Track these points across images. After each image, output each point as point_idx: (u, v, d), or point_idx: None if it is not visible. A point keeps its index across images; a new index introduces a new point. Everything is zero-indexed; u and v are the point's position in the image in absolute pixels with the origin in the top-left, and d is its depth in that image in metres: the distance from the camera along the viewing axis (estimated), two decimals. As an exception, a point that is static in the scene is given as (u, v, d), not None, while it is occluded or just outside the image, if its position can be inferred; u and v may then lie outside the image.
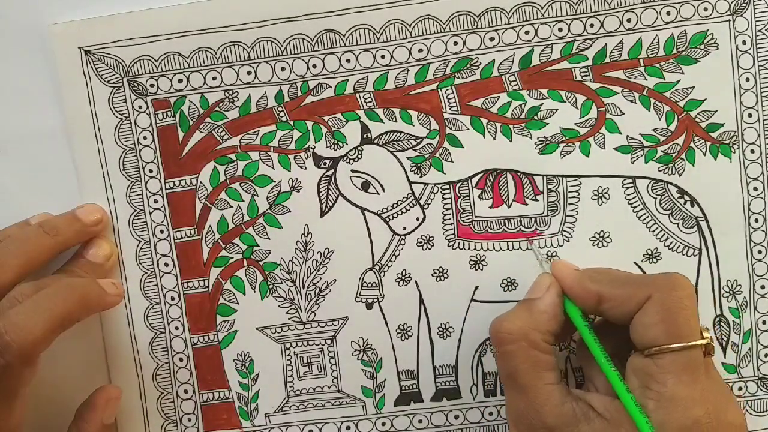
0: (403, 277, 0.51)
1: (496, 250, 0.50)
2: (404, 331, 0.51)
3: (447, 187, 0.50)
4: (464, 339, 0.51)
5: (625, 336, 0.44)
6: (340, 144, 0.50)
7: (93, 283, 0.47)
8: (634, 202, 0.50)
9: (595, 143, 0.50)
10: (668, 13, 0.48)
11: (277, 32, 0.49)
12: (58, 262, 0.49)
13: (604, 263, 0.49)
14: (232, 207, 0.50)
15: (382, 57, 0.49)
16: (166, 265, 0.51)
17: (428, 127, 0.50)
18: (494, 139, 0.50)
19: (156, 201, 0.50)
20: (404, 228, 0.50)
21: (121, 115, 0.50)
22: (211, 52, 0.49)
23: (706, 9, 0.48)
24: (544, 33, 0.49)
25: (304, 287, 0.51)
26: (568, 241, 0.50)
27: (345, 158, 0.50)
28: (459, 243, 0.50)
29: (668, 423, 0.40)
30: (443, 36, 0.49)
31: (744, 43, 0.49)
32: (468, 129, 0.50)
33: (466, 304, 0.51)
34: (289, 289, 0.51)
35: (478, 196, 0.50)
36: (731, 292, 0.50)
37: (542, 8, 0.48)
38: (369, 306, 0.51)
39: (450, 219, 0.50)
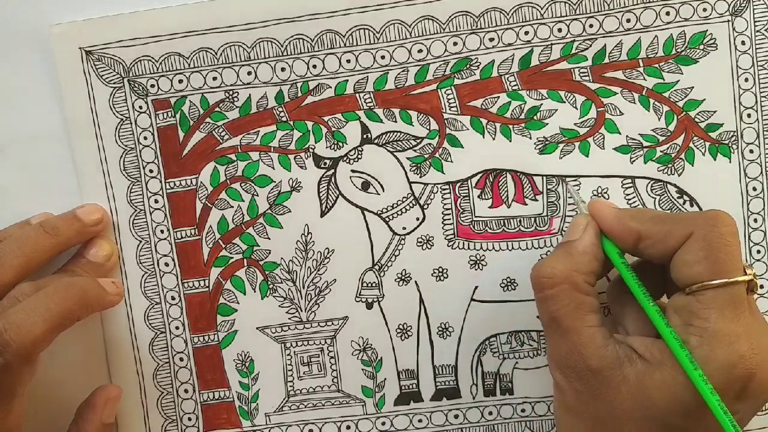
0: (403, 277, 0.51)
1: (496, 250, 0.50)
2: (404, 331, 0.51)
3: (447, 187, 0.50)
4: (464, 339, 0.51)
5: (657, 278, 0.43)
6: (340, 144, 0.50)
7: (93, 282, 0.47)
8: (634, 202, 0.50)
9: (594, 143, 0.50)
10: (667, 13, 0.49)
11: (278, 32, 0.49)
12: (59, 262, 0.49)
13: (604, 263, 0.49)
14: (232, 207, 0.51)
15: (382, 57, 0.49)
16: (167, 264, 0.51)
17: (428, 127, 0.50)
18: (494, 139, 0.50)
19: (156, 201, 0.50)
20: (404, 228, 0.50)
21: (121, 115, 0.50)
22: (212, 53, 0.49)
23: (705, 9, 0.48)
24: (544, 33, 0.49)
25: (304, 287, 0.51)
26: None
27: (345, 158, 0.50)
28: (459, 243, 0.50)
29: (712, 358, 0.39)
30: (443, 36, 0.49)
31: (743, 43, 0.49)
32: (468, 129, 0.50)
33: (466, 304, 0.51)
34: (289, 289, 0.51)
35: (478, 196, 0.50)
36: (730, 291, 0.50)
37: (542, 9, 0.48)
38: (369, 306, 0.51)
39: (450, 219, 0.50)
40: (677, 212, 0.44)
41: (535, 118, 0.50)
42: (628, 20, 0.49)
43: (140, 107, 0.50)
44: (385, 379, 0.51)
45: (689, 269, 0.41)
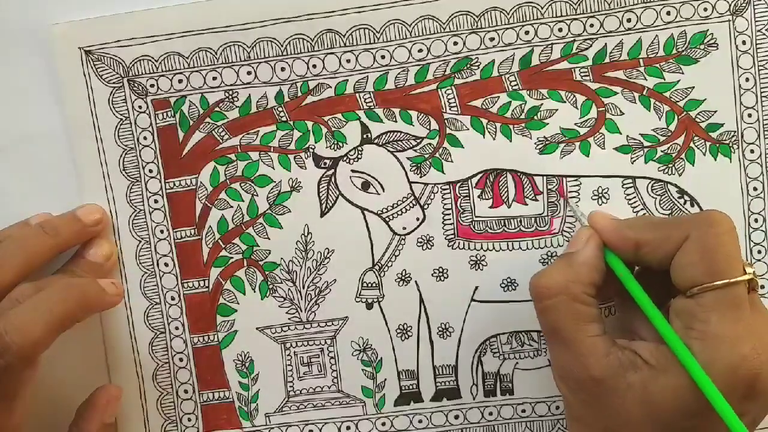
0: (403, 277, 0.51)
1: (496, 250, 0.50)
2: (404, 331, 0.51)
3: (447, 187, 0.50)
4: (464, 339, 0.51)
5: (662, 285, 0.43)
6: (340, 144, 0.50)
7: (93, 283, 0.47)
8: (634, 202, 0.50)
9: (595, 143, 0.50)
10: (668, 13, 0.48)
11: (277, 32, 0.49)
12: (58, 262, 0.49)
13: (604, 263, 0.49)
14: (232, 207, 0.51)
15: (382, 57, 0.49)
16: (166, 265, 0.51)
17: (428, 127, 0.50)
18: (494, 139, 0.50)
19: (156, 201, 0.50)
20: (404, 228, 0.50)
21: (121, 115, 0.50)
22: (211, 52, 0.49)
23: (705, 9, 0.48)
24: (544, 33, 0.49)
25: (304, 287, 0.51)
26: (568, 240, 0.50)
27: (345, 158, 0.50)
28: (459, 243, 0.50)
29: (715, 361, 0.39)
30: (443, 36, 0.49)
31: (744, 43, 0.49)
32: (468, 129, 0.50)
33: (466, 304, 0.51)
34: (289, 289, 0.51)
35: (478, 196, 0.50)
36: (731, 292, 0.50)
37: (542, 8, 0.48)
38: (369, 306, 0.51)
39: (450, 219, 0.50)
40: (674, 216, 0.44)
41: (535, 118, 0.49)
42: (629, 20, 0.49)
43: (140, 107, 0.50)
44: (385, 379, 0.51)
45: (687, 272, 0.40)
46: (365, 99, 0.50)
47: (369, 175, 0.50)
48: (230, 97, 0.50)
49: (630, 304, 0.44)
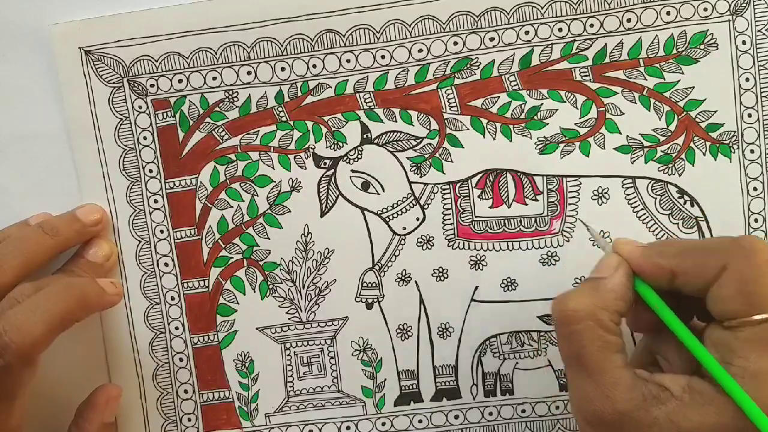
0: (403, 277, 0.51)
1: (496, 250, 0.50)
2: (404, 331, 0.51)
3: (447, 187, 0.50)
4: (464, 339, 0.51)
5: (688, 304, 0.41)
6: (340, 144, 0.50)
7: (92, 283, 0.47)
8: (634, 202, 0.50)
9: (595, 143, 0.50)
10: (668, 13, 0.48)
11: (277, 32, 0.49)
12: (58, 262, 0.49)
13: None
14: (232, 207, 0.51)
15: (382, 57, 0.49)
16: (166, 265, 0.51)
17: (428, 127, 0.50)
18: (494, 139, 0.50)
19: (156, 201, 0.50)
20: (404, 228, 0.50)
21: (121, 115, 0.50)
22: (211, 52, 0.49)
23: (706, 9, 0.48)
24: (544, 33, 0.49)
25: (304, 287, 0.51)
26: (568, 241, 0.50)
27: (345, 158, 0.50)
28: (459, 243, 0.50)
29: (755, 400, 0.37)
30: (443, 36, 0.49)
31: (744, 43, 0.49)
32: (468, 129, 0.50)
33: (466, 304, 0.51)
34: (289, 289, 0.51)
35: (478, 196, 0.50)
36: (731, 292, 0.50)
37: (542, 8, 0.48)
38: (369, 306, 0.51)
39: (450, 219, 0.50)
40: (706, 240, 0.41)
41: (535, 118, 0.49)
42: (629, 20, 0.49)
43: (140, 107, 0.50)
44: (385, 379, 0.51)
45: (726, 305, 0.39)
46: (365, 99, 0.50)
47: (369, 175, 0.50)
48: (230, 97, 0.50)
49: (656, 334, 0.43)
